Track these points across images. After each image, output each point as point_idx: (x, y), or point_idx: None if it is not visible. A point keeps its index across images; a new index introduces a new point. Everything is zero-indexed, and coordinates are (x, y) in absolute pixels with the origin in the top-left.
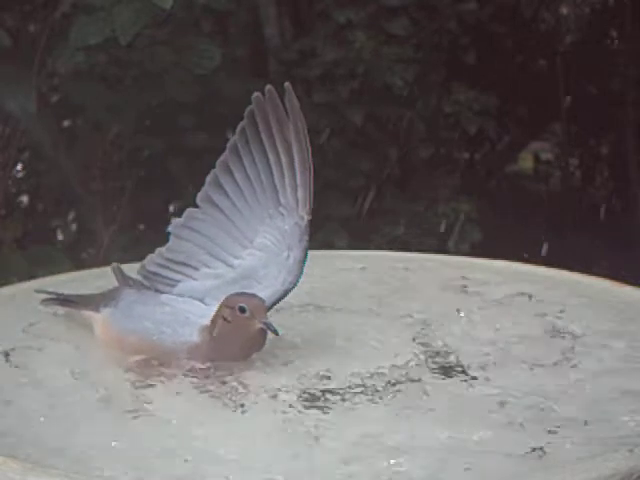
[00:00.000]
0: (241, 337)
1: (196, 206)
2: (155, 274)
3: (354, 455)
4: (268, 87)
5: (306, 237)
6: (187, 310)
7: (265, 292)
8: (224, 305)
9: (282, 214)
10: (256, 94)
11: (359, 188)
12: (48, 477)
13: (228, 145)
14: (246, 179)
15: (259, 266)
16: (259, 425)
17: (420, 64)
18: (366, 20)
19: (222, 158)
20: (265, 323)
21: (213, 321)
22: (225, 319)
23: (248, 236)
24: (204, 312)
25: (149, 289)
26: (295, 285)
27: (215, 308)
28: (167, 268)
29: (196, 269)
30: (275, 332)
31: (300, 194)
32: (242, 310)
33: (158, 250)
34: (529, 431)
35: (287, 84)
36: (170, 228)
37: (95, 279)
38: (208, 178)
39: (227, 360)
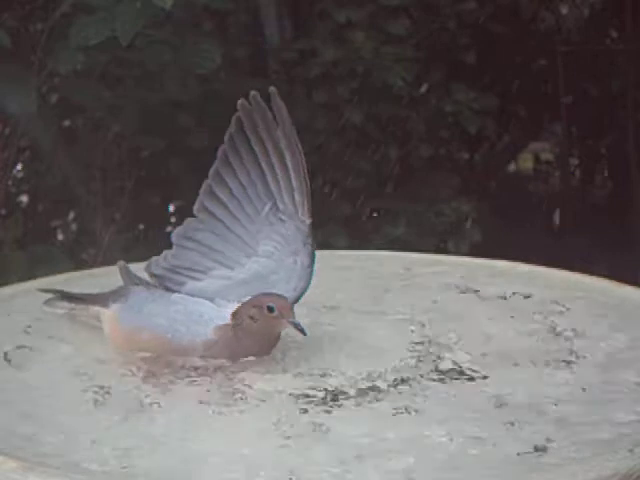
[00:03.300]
0: (266, 336)
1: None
2: (162, 276)
3: (354, 455)
4: (253, 93)
5: (310, 240)
6: (199, 310)
7: None
8: (251, 304)
9: (282, 220)
10: (241, 101)
11: (359, 188)
12: (48, 477)
13: (218, 154)
14: (241, 187)
15: (268, 272)
16: (259, 425)
17: (420, 64)
18: (366, 20)
19: (214, 168)
20: (293, 323)
21: (237, 319)
22: (252, 318)
23: (251, 244)
24: (217, 313)
25: (158, 287)
26: (306, 290)
27: (226, 309)
28: (174, 272)
29: (204, 273)
30: (303, 332)
31: (297, 198)
32: (270, 309)
33: (164, 253)
34: (528, 431)
35: (272, 89)
36: (172, 239)
37: (95, 279)
38: (202, 188)
39: (243, 357)
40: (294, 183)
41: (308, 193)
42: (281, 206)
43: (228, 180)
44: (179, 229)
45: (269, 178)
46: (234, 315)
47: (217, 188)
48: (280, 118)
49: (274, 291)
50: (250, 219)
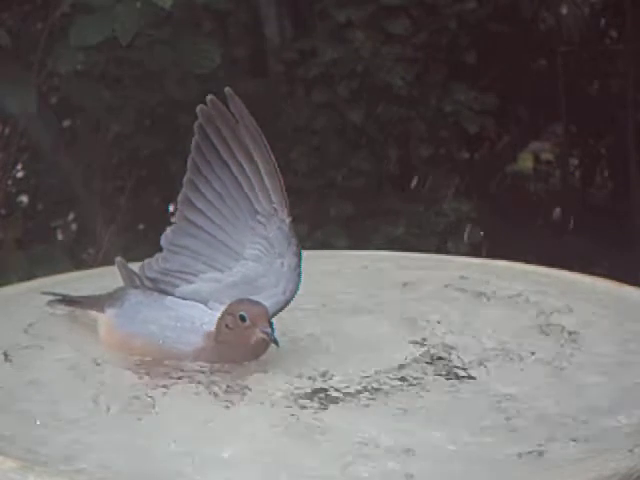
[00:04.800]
0: (242, 345)
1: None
2: (155, 279)
3: (353, 455)
4: (209, 97)
5: (294, 240)
6: (191, 315)
7: (268, 302)
8: (226, 312)
9: (262, 223)
10: (200, 106)
11: (359, 188)
12: (48, 477)
13: (188, 163)
14: (216, 194)
15: (257, 275)
16: (258, 425)
17: (420, 64)
18: (366, 20)
19: (187, 176)
20: (266, 332)
21: (217, 327)
22: (227, 326)
23: (237, 249)
24: (208, 318)
25: (153, 289)
26: (296, 292)
27: (218, 313)
28: (166, 275)
29: (195, 275)
30: (275, 342)
31: (274, 198)
32: (242, 319)
33: (156, 256)
34: (528, 431)
35: (227, 89)
36: (162, 243)
37: (95, 279)
38: (179, 197)
39: (230, 363)
40: (267, 183)
41: (284, 191)
42: (259, 208)
43: (202, 188)
44: (167, 234)
45: (242, 181)
46: (217, 322)
47: (193, 197)
48: (242, 119)
49: (263, 295)
50: (231, 225)
